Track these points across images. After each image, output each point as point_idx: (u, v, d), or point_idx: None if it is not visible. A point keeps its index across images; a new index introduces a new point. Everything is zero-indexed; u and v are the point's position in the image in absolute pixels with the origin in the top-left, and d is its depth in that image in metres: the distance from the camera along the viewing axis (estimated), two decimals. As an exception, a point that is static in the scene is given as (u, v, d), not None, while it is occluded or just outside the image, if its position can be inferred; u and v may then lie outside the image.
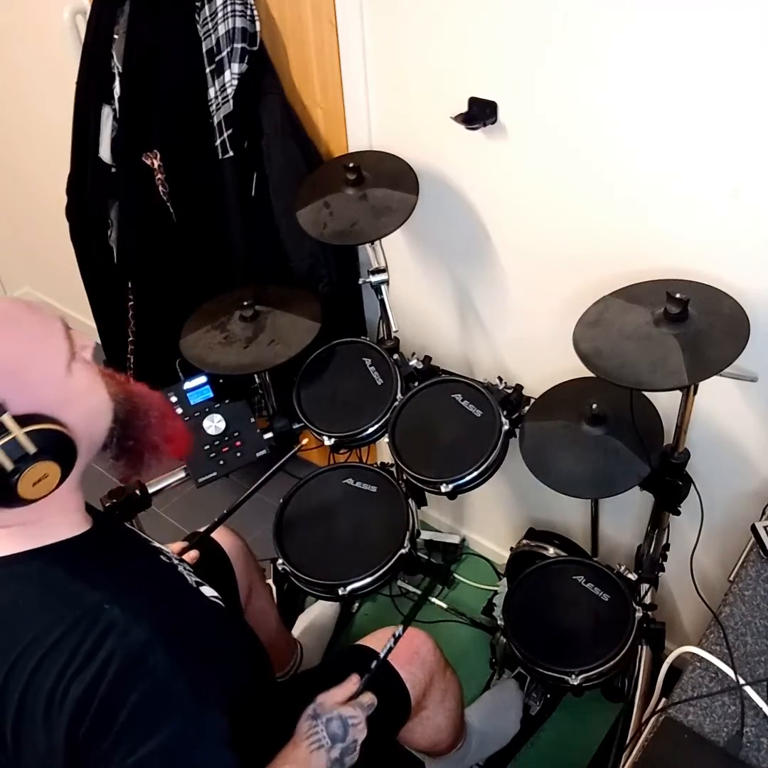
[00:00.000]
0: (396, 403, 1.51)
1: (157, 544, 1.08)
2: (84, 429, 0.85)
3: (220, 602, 1.06)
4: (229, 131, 1.60)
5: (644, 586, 1.49)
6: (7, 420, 0.76)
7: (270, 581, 1.99)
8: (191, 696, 0.84)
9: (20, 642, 0.82)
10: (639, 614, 1.41)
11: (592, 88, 1.23)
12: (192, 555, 1.34)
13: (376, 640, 1.32)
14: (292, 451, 1.50)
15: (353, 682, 1.11)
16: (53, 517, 0.88)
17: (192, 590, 1.01)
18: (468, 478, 1.39)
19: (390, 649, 1.13)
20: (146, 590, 0.89)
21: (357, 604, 2.06)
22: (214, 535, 1.50)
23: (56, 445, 0.80)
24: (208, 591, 1.05)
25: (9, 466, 0.76)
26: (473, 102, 1.37)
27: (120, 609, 0.82)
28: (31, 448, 0.77)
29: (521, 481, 1.74)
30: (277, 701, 1.20)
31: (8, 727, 0.82)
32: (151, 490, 1.54)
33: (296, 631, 1.93)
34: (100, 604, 0.82)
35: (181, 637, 0.87)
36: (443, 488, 1.39)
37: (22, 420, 0.77)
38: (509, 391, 1.49)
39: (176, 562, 1.05)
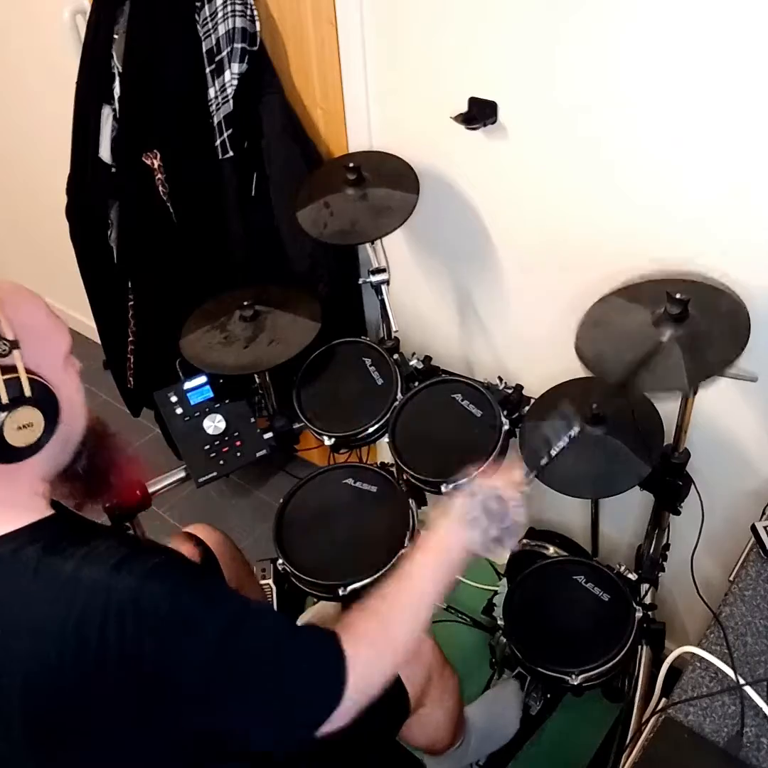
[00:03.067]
0: (396, 403, 1.51)
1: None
2: (67, 414, 0.88)
3: None
4: (229, 131, 1.60)
5: (644, 586, 1.49)
6: (18, 359, 0.81)
7: (270, 581, 1.99)
8: (204, 604, 0.84)
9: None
10: (639, 614, 1.41)
11: (592, 89, 1.23)
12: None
13: None
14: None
15: (519, 472, 1.11)
16: (21, 497, 0.88)
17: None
18: (468, 478, 1.39)
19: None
20: (117, 548, 0.88)
21: (357, 604, 2.05)
22: (199, 534, 1.51)
23: (48, 401, 0.84)
24: None
25: (5, 400, 0.80)
26: (473, 102, 1.37)
27: (98, 569, 0.82)
28: (28, 392, 0.81)
29: (521, 481, 1.74)
30: None
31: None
32: (151, 490, 1.54)
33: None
34: (77, 571, 0.82)
35: (167, 570, 0.86)
36: (443, 488, 1.39)
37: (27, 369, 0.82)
38: (509, 391, 1.49)
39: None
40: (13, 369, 0.80)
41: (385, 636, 0.95)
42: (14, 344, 0.81)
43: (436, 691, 1.39)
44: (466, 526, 1.02)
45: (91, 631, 0.79)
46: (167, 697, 0.81)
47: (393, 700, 1.29)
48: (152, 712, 0.82)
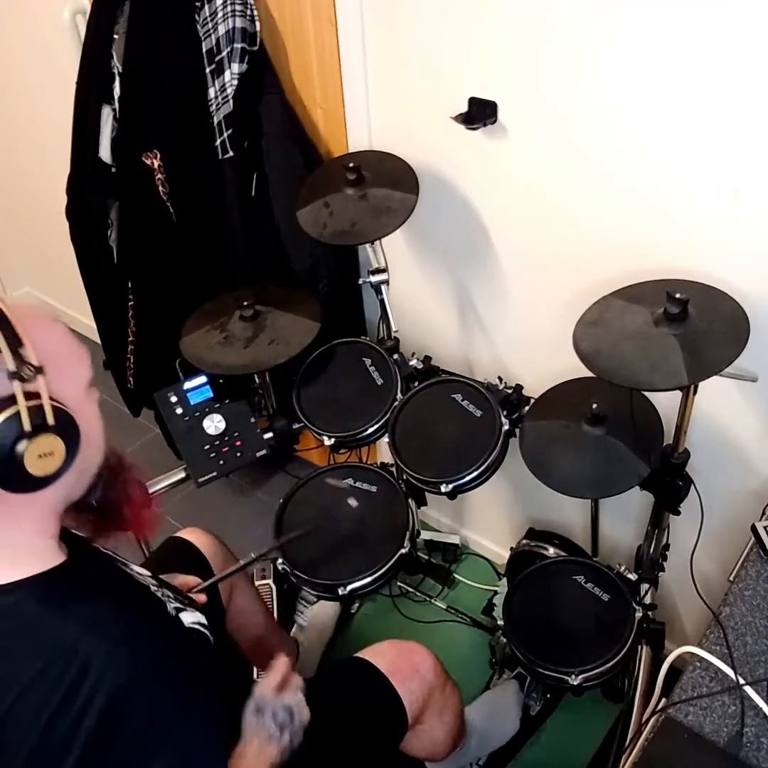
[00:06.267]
0: (396, 403, 1.51)
1: (135, 570, 1.06)
2: (86, 444, 0.85)
3: (201, 627, 1.03)
4: (229, 131, 1.60)
5: (644, 586, 1.49)
6: (42, 385, 0.79)
7: (270, 581, 1.99)
8: (179, 719, 0.83)
9: None
10: (639, 614, 1.41)
11: (591, 88, 1.23)
12: (200, 599, 1.29)
13: (376, 654, 1.32)
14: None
15: (284, 664, 1.11)
16: (28, 542, 0.86)
17: (171, 618, 0.99)
18: (468, 478, 1.39)
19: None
20: (123, 620, 0.87)
21: (357, 604, 2.06)
22: (188, 536, 1.51)
23: (69, 429, 0.82)
24: (188, 617, 1.02)
25: (27, 427, 0.77)
26: (473, 102, 1.37)
27: (97, 642, 0.81)
28: (51, 420, 0.79)
29: (521, 481, 1.74)
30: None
31: None
32: (151, 490, 1.54)
33: (296, 631, 1.93)
34: (76, 640, 0.81)
35: (161, 665, 0.86)
36: (443, 488, 1.39)
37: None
38: (509, 391, 1.49)
39: (154, 588, 1.03)
40: (36, 395, 0.78)
41: None
42: (39, 370, 0.79)
43: (436, 708, 1.38)
44: (262, 745, 1.02)
45: (71, 710, 0.78)
46: None
47: (391, 720, 1.28)
48: None
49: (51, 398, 0.80)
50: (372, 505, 1.55)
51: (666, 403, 1.33)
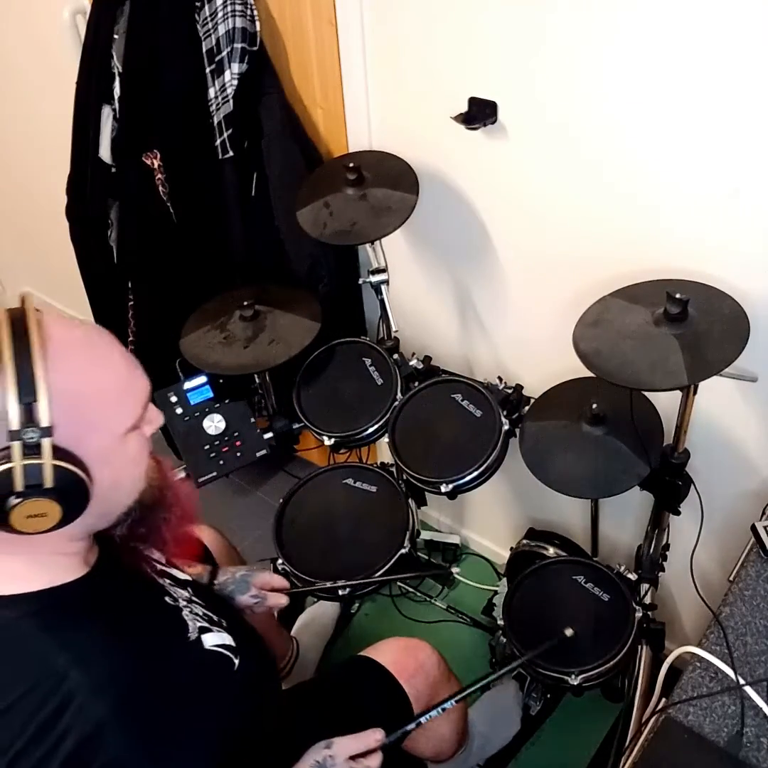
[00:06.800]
0: (396, 403, 1.51)
1: (174, 575, 1.00)
2: (104, 494, 0.81)
3: (224, 650, 0.97)
4: (229, 131, 1.60)
5: (644, 586, 1.49)
6: (46, 445, 0.73)
7: (270, 581, 1.99)
8: None
9: None
10: (639, 614, 1.41)
11: (592, 88, 1.23)
12: (281, 601, 1.27)
13: (380, 652, 1.32)
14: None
15: (375, 739, 1.06)
16: (43, 556, 0.83)
17: (187, 644, 0.93)
18: (468, 478, 1.39)
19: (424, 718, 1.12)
20: (123, 653, 0.82)
21: (357, 604, 2.06)
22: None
23: (72, 493, 0.77)
24: (211, 639, 0.96)
25: (19, 486, 0.73)
26: (473, 102, 1.37)
27: (84, 677, 0.77)
28: (50, 482, 0.74)
29: (521, 481, 1.74)
30: (278, 711, 1.19)
31: None
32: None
33: (296, 631, 1.93)
34: (65, 670, 0.77)
35: (150, 709, 0.81)
36: (443, 488, 1.39)
37: (57, 451, 0.74)
38: (509, 391, 1.49)
39: (183, 604, 0.97)
40: (40, 450, 0.73)
41: None
42: (47, 431, 0.72)
43: None
44: None
45: (40, 747, 0.75)
46: None
47: (397, 717, 1.28)
48: None
49: (62, 453, 0.74)
50: (372, 505, 1.55)
51: (666, 403, 1.33)
